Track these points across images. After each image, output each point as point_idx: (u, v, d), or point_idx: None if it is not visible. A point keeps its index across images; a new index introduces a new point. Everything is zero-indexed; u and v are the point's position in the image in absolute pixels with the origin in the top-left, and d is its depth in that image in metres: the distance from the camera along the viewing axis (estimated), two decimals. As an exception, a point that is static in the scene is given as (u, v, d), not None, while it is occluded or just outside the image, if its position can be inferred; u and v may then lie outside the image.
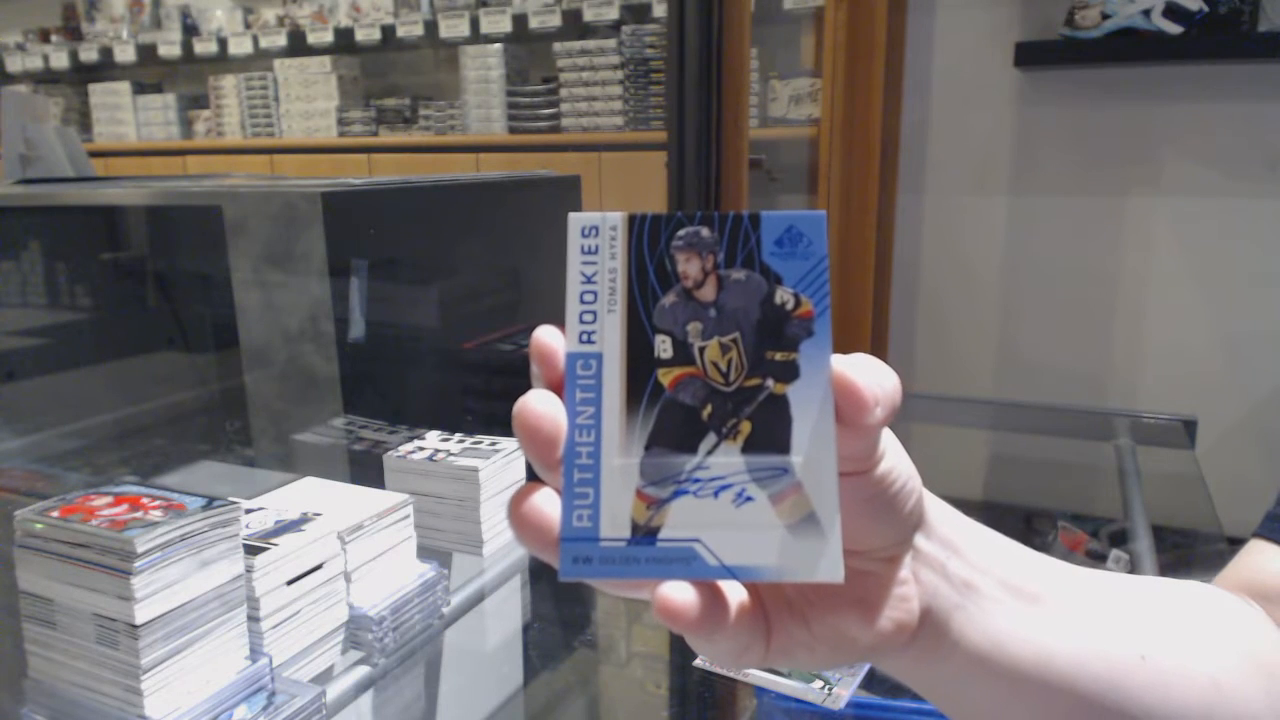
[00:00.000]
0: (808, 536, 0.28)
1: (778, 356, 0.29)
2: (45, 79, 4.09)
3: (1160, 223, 2.28)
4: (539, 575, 0.97)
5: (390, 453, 0.95)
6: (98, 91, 3.90)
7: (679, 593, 0.27)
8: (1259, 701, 0.40)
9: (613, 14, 2.87)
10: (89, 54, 3.86)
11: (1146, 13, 2.08)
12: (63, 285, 1.46)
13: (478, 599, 0.90)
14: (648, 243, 0.29)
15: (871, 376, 0.28)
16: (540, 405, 0.28)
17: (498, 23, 3.04)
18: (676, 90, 1.75)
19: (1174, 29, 2.07)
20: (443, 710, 0.77)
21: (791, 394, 0.29)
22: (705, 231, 0.29)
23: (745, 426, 0.29)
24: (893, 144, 2.45)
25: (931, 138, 2.47)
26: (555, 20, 2.96)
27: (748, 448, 0.29)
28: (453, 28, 3.12)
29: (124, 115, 3.86)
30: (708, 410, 0.29)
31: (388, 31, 3.26)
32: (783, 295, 0.29)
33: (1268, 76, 2.11)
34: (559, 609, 0.95)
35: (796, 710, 0.71)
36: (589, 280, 0.29)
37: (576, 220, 0.29)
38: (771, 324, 0.29)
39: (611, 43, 2.84)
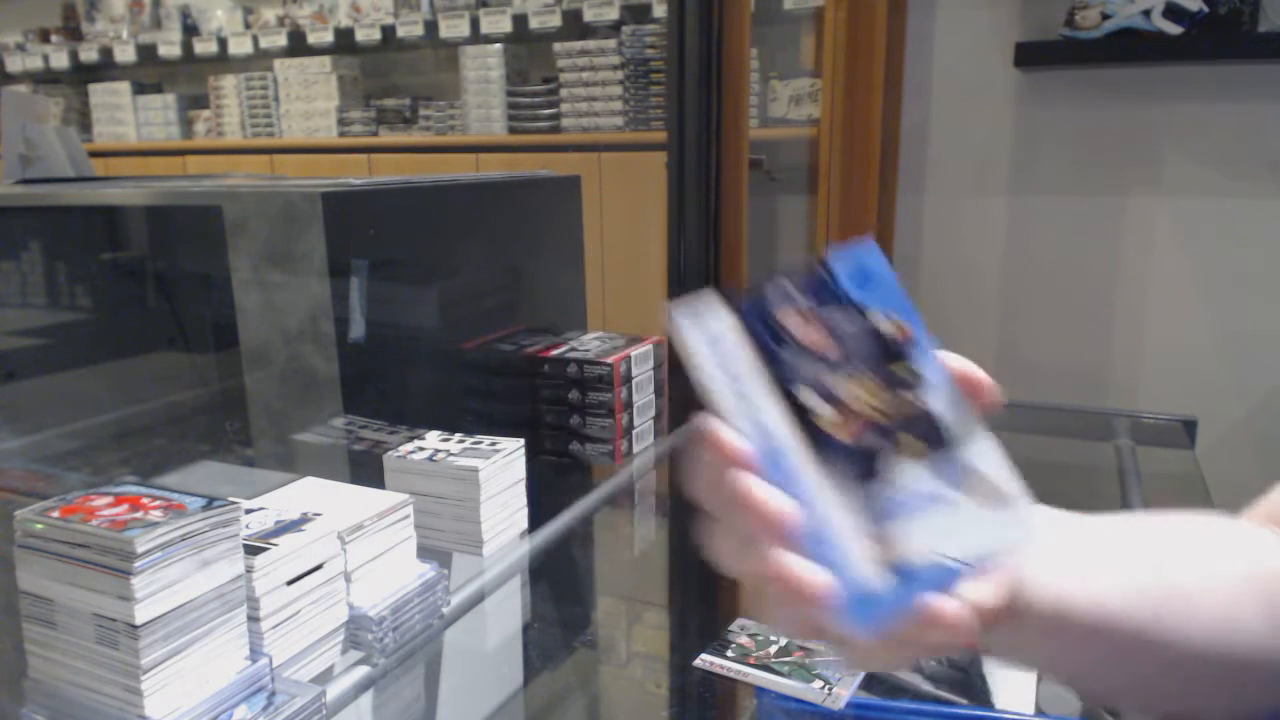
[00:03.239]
0: (1003, 510, 0.32)
1: (902, 373, 0.32)
2: (45, 79, 4.09)
3: (1160, 223, 2.28)
4: (539, 575, 0.97)
5: (390, 453, 0.95)
6: (98, 91, 3.89)
7: (948, 604, 0.30)
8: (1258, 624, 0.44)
9: (613, 14, 2.86)
10: (89, 54, 3.86)
11: (1146, 13, 2.08)
12: (63, 285, 1.46)
13: (478, 599, 0.90)
14: (756, 319, 0.32)
15: (975, 365, 0.33)
16: (773, 501, 0.31)
17: (498, 23, 3.04)
18: (676, 90, 1.75)
19: (1174, 29, 2.07)
20: (443, 710, 0.77)
21: (929, 400, 0.32)
22: (796, 292, 0.32)
23: (908, 440, 0.32)
24: (893, 144, 2.45)
25: (931, 138, 2.47)
26: (555, 20, 2.96)
27: (922, 458, 0.32)
28: (453, 28, 3.12)
29: (124, 115, 3.86)
30: (875, 441, 0.32)
31: (388, 31, 3.26)
32: (880, 322, 0.32)
33: (1268, 77, 2.11)
34: (559, 609, 0.95)
35: (796, 710, 0.71)
36: (721, 368, 0.32)
37: (680, 315, 0.32)
38: (884, 349, 0.32)
39: (611, 43, 2.84)
